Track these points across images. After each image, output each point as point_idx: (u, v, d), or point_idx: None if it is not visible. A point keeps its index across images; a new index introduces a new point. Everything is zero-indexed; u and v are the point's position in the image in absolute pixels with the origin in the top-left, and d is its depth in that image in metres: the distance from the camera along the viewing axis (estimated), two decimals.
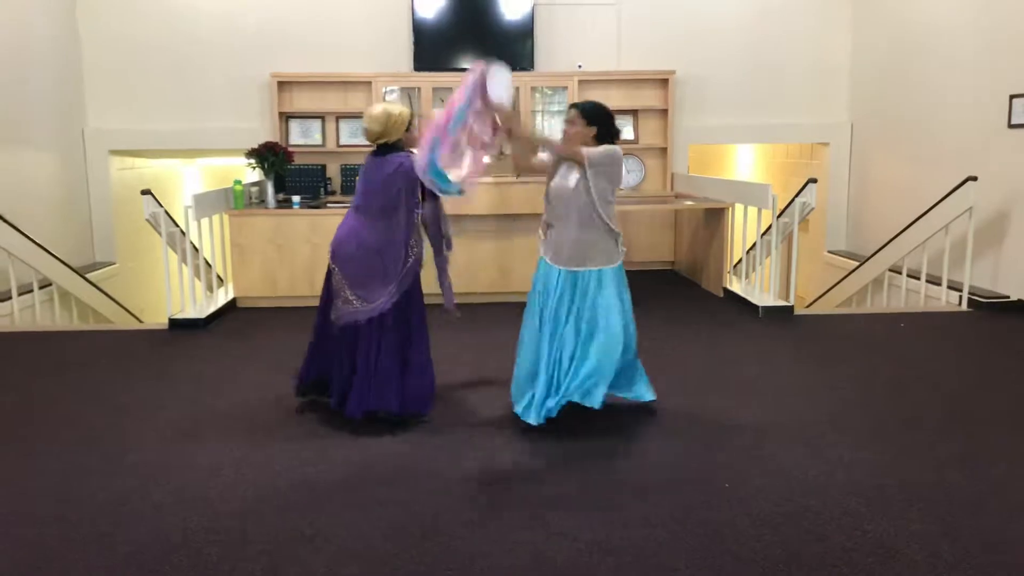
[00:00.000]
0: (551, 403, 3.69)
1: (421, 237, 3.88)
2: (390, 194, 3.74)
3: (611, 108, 3.78)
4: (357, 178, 3.95)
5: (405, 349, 3.88)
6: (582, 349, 3.69)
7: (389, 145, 3.81)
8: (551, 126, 7.73)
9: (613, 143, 3.70)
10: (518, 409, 3.77)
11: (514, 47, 7.60)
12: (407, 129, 3.82)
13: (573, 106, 3.80)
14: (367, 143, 3.89)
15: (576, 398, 3.70)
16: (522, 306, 3.91)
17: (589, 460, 3.43)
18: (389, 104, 3.87)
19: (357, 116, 7.53)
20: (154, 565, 2.61)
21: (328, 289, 3.92)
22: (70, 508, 3.01)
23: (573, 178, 3.65)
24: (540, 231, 3.87)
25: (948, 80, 6.74)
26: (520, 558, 2.64)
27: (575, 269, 3.69)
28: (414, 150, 3.79)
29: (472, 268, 6.22)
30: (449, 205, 3.96)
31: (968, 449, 3.50)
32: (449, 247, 4.01)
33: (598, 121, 3.69)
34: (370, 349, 3.77)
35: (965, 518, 2.88)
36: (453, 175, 3.55)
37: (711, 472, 3.28)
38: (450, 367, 4.43)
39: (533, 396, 3.72)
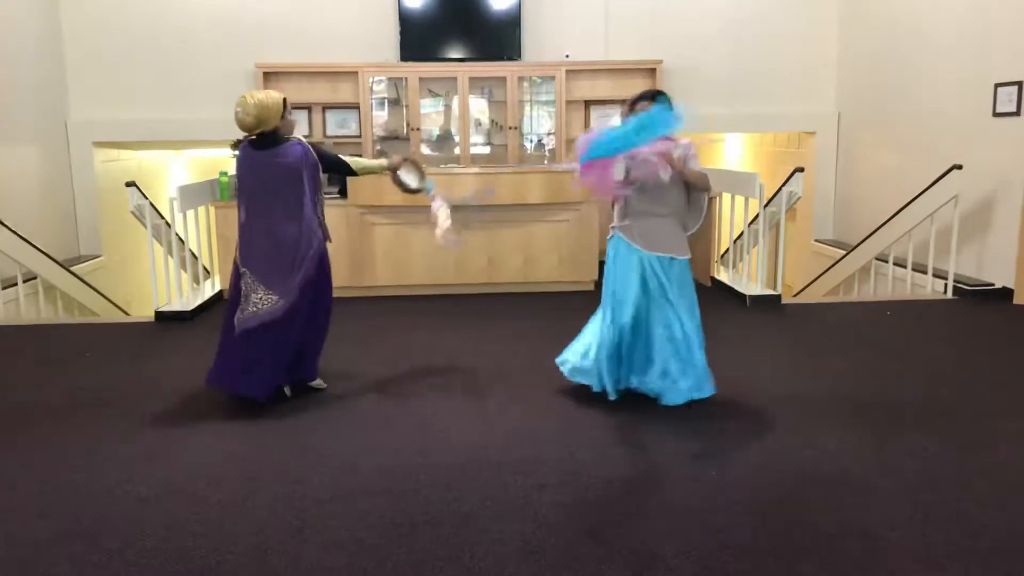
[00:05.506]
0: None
1: (322, 222, 3.93)
2: (295, 183, 3.75)
3: (599, 98, 3.78)
4: (236, 176, 3.89)
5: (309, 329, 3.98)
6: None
7: (269, 134, 3.76)
8: (539, 116, 7.74)
9: None
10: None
11: (501, 37, 7.57)
12: (282, 116, 3.77)
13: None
14: (247, 135, 3.79)
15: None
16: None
17: (576, 450, 3.43)
18: (260, 92, 3.76)
19: (344, 107, 7.50)
20: (140, 559, 2.60)
21: (237, 288, 3.94)
22: (56, 502, 2.99)
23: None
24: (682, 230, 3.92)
25: (934, 69, 6.76)
26: (510, 547, 2.64)
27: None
28: (299, 136, 3.85)
29: (462, 259, 6.21)
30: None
31: (953, 435, 3.53)
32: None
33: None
34: (284, 337, 3.88)
35: (949, 504, 2.91)
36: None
37: (698, 460, 3.30)
38: (448, 359, 4.42)
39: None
